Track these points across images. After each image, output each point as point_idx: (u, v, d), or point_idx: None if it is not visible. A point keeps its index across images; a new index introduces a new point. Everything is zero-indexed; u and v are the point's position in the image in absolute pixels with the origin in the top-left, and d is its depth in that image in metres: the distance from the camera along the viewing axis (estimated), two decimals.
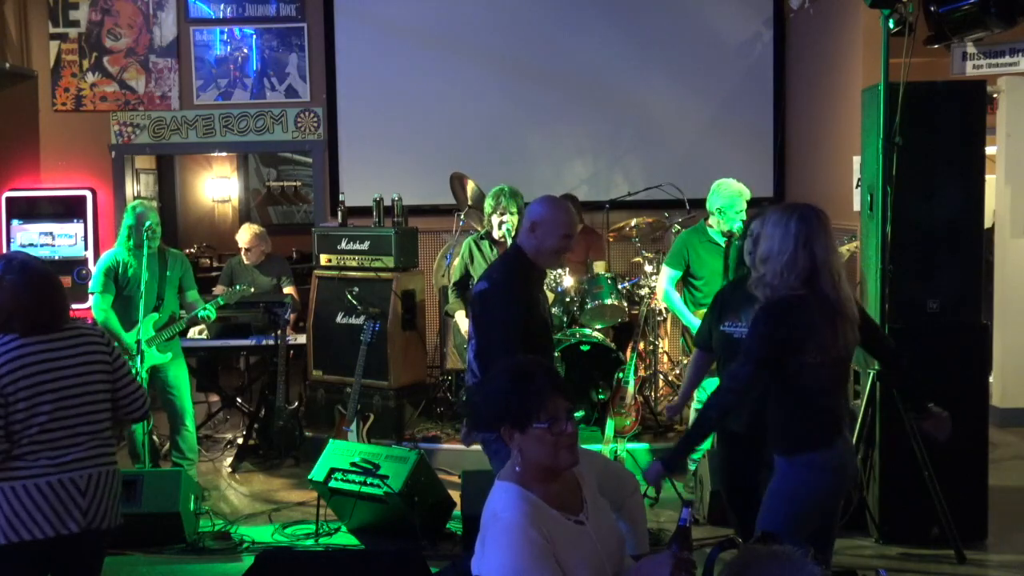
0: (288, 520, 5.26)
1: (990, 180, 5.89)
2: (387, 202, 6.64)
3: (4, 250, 7.55)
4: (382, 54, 7.93)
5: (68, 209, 7.63)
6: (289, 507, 5.51)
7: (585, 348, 6.22)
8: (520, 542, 2.21)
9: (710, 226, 5.44)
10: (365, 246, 6.55)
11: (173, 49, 7.93)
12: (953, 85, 5.10)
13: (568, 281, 6.30)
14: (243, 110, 7.98)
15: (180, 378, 5.72)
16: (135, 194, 8.33)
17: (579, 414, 6.12)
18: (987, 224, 5.26)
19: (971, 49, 6.17)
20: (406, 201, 6.72)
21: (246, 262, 7.14)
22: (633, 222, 6.92)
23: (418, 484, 4.82)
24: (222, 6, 7.92)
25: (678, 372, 6.74)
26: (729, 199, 5.27)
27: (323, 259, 6.73)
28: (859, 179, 5.28)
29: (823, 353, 3.14)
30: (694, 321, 5.41)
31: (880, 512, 4.78)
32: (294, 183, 11.29)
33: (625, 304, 6.29)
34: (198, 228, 11.10)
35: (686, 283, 5.56)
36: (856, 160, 5.72)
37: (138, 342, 5.41)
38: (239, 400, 7.10)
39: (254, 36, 7.95)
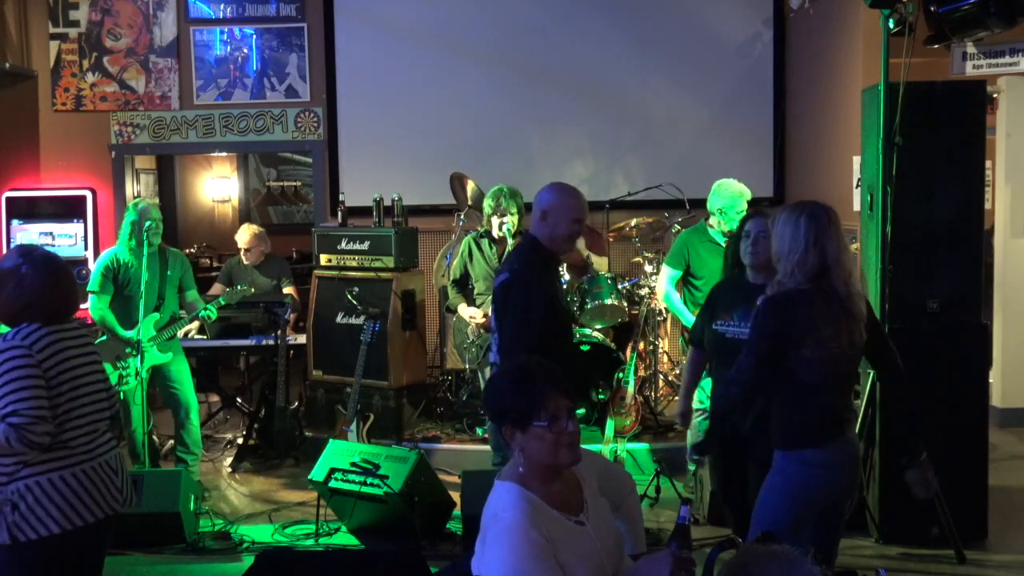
0: (288, 520, 5.27)
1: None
2: (387, 202, 6.64)
3: (4, 250, 7.56)
4: (382, 54, 7.93)
5: (68, 209, 7.63)
6: (289, 507, 5.51)
7: (585, 348, 6.22)
8: (521, 542, 2.21)
9: (711, 226, 5.44)
10: (365, 246, 6.55)
11: (173, 49, 7.94)
12: (953, 85, 5.09)
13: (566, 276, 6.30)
14: (243, 110, 7.98)
15: (183, 373, 5.73)
16: (135, 194, 8.33)
17: (580, 412, 6.12)
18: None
19: (971, 49, 6.17)
20: (406, 201, 6.72)
21: (245, 262, 7.13)
22: (633, 222, 6.92)
23: (418, 484, 4.82)
24: (222, 6, 7.92)
25: (678, 372, 6.75)
26: (730, 199, 5.28)
27: (323, 259, 6.73)
28: (859, 179, 5.28)
29: (821, 348, 3.14)
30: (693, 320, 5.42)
31: (880, 512, 4.78)
32: (294, 183, 11.29)
33: (625, 304, 6.29)
34: (198, 228, 11.09)
35: (686, 283, 5.56)
36: (856, 160, 5.72)
37: (139, 342, 5.41)
38: (239, 400, 7.11)
39: (254, 36, 7.96)
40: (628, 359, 6.17)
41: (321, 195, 8.14)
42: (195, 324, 6.10)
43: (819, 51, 7.17)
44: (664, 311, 6.54)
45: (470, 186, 6.83)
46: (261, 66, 7.96)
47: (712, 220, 5.42)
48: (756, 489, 3.39)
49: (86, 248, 7.59)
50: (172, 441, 5.94)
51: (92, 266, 7.03)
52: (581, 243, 6.26)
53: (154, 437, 5.97)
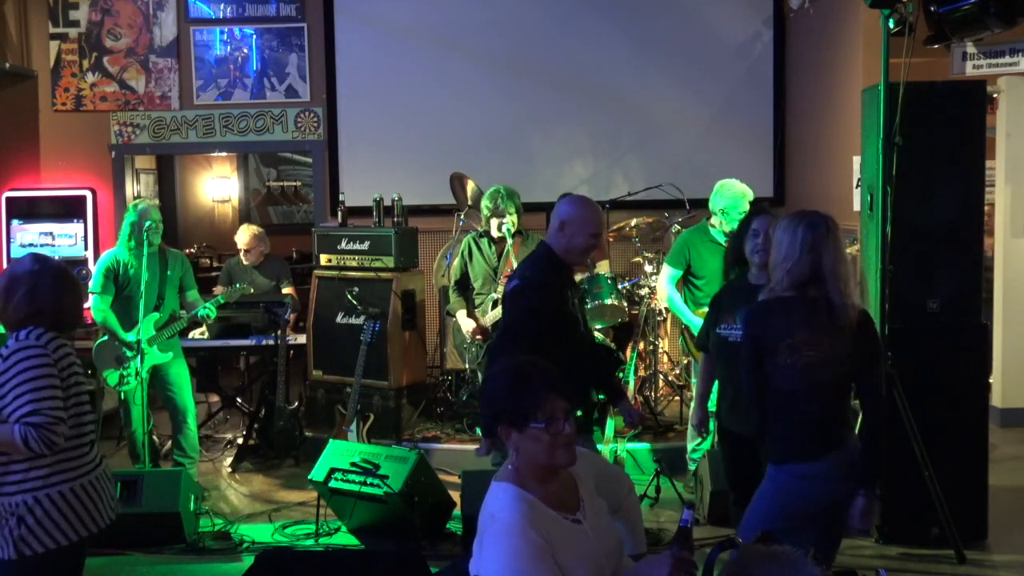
0: (288, 520, 5.26)
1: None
2: (387, 202, 6.64)
3: (4, 250, 7.56)
4: (382, 54, 7.93)
5: (68, 209, 7.63)
6: (289, 507, 5.51)
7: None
8: (518, 543, 2.20)
9: (712, 226, 5.45)
10: (365, 246, 6.55)
11: (173, 49, 7.93)
12: (953, 85, 5.09)
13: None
14: (243, 110, 7.98)
15: (181, 376, 5.72)
16: (135, 194, 8.33)
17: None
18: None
19: (971, 49, 6.17)
20: (406, 201, 6.72)
21: (245, 263, 7.13)
22: (633, 222, 6.91)
23: (418, 484, 4.82)
24: (222, 6, 7.92)
25: (678, 372, 6.75)
26: (732, 200, 5.28)
27: (323, 259, 6.73)
28: (859, 179, 5.28)
29: (796, 355, 3.14)
30: (694, 320, 5.42)
31: (880, 512, 4.78)
32: (294, 183, 11.29)
33: (625, 304, 6.29)
34: (198, 228, 11.10)
35: (687, 282, 5.56)
36: (856, 160, 5.72)
37: (138, 342, 5.41)
38: (239, 400, 7.11)
39: (254, 36, 7.95)
40: (628, 359, 6.16)
41: (321, 195, 8.14)
42: (201, 329, 6.09)
43: (819, 51, 7.17)
44: (664, 311, 6.53)
45: (470, 186, 6.83)
46: (261, 66, 7.96)
47: (714, 220, 5.42)
48: None
49: (86, 248, 7.59)
50: (171, 443, 5.94)
51: (92, 266, 7.05)
52: None
53: (154, 437, 5.96)
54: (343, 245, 6.63)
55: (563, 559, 2.24)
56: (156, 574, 4.64)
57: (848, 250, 5.66)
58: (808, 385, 3.18)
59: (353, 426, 5.88)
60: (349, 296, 6.37)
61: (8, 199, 7.61)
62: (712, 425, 4.71)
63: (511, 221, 5.63)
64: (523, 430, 2.31)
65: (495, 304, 5.70)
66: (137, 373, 5.44)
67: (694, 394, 4.81)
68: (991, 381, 6.62)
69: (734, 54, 7.89)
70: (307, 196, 11.04)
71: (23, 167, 7.86)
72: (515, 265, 5.16)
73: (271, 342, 6.47)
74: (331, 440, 5.32)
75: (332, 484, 4.88)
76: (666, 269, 5.59)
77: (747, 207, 5.26)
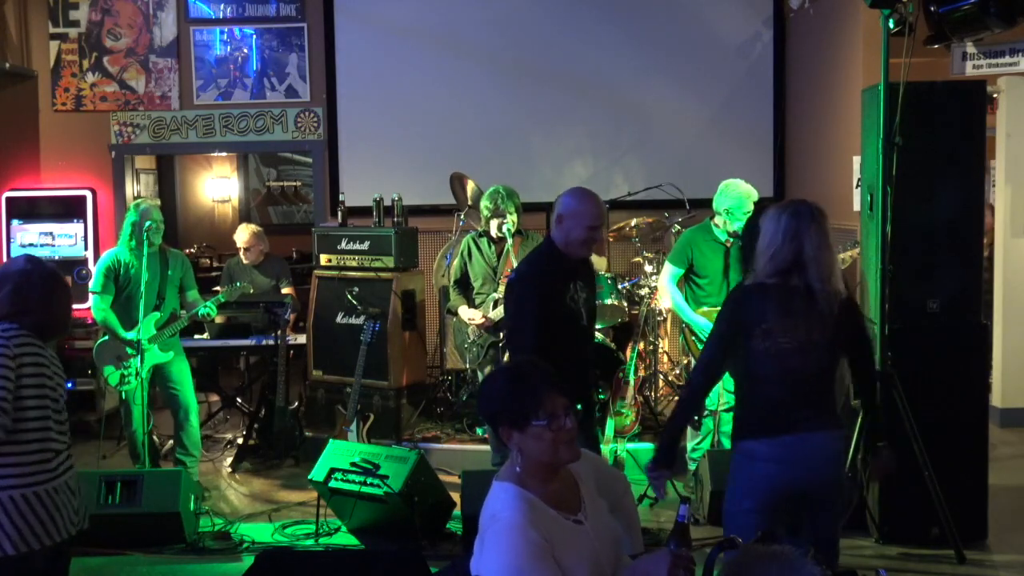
0: (288, 520, 5.26)
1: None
2: (387, 202, 6.64)
3: (4, 250, 7.56)
4: (382, 54, 7.93)
5: (68, 209, 7.63)
6: (289, 507, 5.51)
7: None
8: (519, 543, 2.20)
9: (716, 225, 5.45)
10: (365, 246, 6.55)
11: (173, 49, 7.93)
12: (953, 85, 5.09)
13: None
14: (243, 110, 7.98)
15: (183, 373, 5.73)
16: (135, 194, 8.33)
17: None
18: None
19: (971, 49, 6.17)
20: (406, 201, 6.72)
21: (244, 262, 7.13)
22: (633, 222, 6.92)
23: (418, 484, 4.82)
24: (222, 6, 7.92)
25: (678, 372, 6.75)
26: (737, 200, 5.29)
27: (323, 259, 6.73)
28: (859, 179, 5.28)
29: (770, 340, 3.16)
30: (694, 318, 5.43)
31: (880, 512, 4.78)
32: (294, 183, 11.30)
33: (625, 304, 6.29)
34: (198, 228, 11.10)
35: (689, 281, 5.56)
36: (856, 160, 5.72)
37: (139, 341, 5.41)
38: (239, 400, 7.11)
39: (254, 36, 7.95)
40: (628, 359, 6.16)
41: (321, 195, 8.14)
42: (204, 334, 6.10)
43: (819, 51, 7.16)
44: (664, 311, 6.53)
45: (470, 186, 6.83)
46: (261, 66, 7.96)
47: (717, 219, 5.43)
48: None
49: (86, 248, 7.59)
50: (172, 441, 5.94)
51: (92, 266, 7.05)
52: None
53: (154, 437, 5.96)
54: (343, 245, 6.63)
55: (564, 559, 2.24)
56: (156, 574, 4.64)
57: (849, 253, 5.68)
58: (778, 370, 3.19)
59: (353, 426, 5.88)
60: (349, 296, 6.37)
61: (8, 199, 7.60)
62: (710, 423, 4.71)
63: (511, 221, 5.63)
64: (524, 429, 2.31)
65: (496, 304, 5.70)
66: (137, 373, 5.45)
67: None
68: (991, 381, 6.63)
69: (734, 54, 7.89)
70: (307, 196, 11.05)
71: (23, 167, 7.86)
72: (515, 265, 5.16)
73: (271, 342, 6.47)
74: (331, 440, 5.32)
75: (332, 484, 4.88)
76: (668, 267, 5.60)
77: (751, 207, 5.26)
